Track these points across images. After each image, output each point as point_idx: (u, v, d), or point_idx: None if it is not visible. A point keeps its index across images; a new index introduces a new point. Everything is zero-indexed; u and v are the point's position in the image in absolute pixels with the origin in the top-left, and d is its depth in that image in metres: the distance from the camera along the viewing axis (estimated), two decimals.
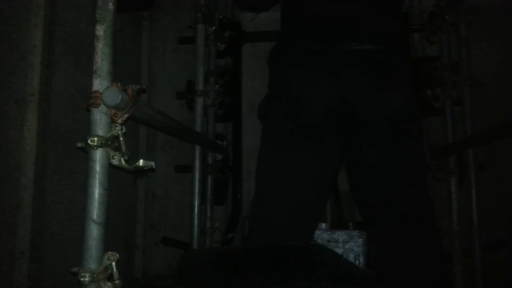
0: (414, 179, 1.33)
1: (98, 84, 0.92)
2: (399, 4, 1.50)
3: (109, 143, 0.92)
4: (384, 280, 1.26)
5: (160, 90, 2.59)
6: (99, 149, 0.91)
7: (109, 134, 0.93)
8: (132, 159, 0.95)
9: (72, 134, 1.65)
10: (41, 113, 1.52)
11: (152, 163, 0.96)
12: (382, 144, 1.31)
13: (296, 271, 0.79)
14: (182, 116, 2.25)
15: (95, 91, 0.91)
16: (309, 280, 0.73)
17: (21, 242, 1.43)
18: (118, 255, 0.93)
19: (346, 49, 1.29)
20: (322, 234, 1.37)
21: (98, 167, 0.91)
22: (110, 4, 0.95)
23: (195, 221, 1.88)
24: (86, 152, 0.93)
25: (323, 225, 1.35)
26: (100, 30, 0.94)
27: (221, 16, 2.11)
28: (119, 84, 0.93)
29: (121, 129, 0.94)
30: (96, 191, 0.91)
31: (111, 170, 0.94)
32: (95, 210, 0.91)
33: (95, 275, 0.89)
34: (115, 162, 0.93)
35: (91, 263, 0.90)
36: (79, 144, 0.92)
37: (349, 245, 1.34)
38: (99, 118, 0.92)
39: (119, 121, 0.95)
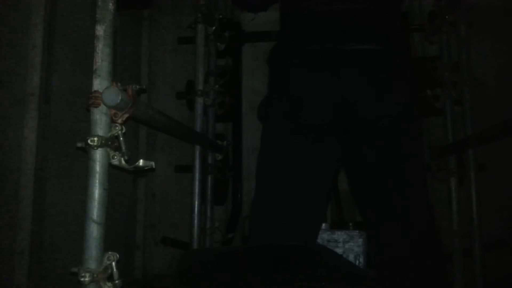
0: (414, 179, 1.33)
1: (98, 84, 0.92)
2: (399, 4, 1.50)
3: (109, 143, 0.92)
4: (384, 280, 1.26)
5: (160, 90, 2.59)
6: (99, 149, 0.91)
7: (109, 134, 0.93)
8: (132, 159, 0.95)
9: (72, 134, 1.65)
10: (41, 113, 1.52)
11: (152, 163, 0.96)
12: (382, 144, 1.31)
13: (296, 271, 0.79)
14: (182, 116, 2.25)
15: (95, 91, 0.91)
16: (309, 280, 0.73)
17: (21, 242, 1.43)
18: (118, 255, 0.93)
19: (346, 49, 1.29)
20: (322, 234, 1.37)
21: (98, 167, 0.91)
22: (110, 4, 0.95)
23: (195, 221, 1.88)
24: (86, 152, 0.93)
25: (323, 225, 1.35)
26: (100, 30, 0.94)
27: (221, 16, 2.11)
28: (119, 84, 0.93)
29: (121, 129, 0.94)
30: (96, 191, 0.91)
31: (111, 170, 0.94)
32: (95, 210, 0.91)
33: (95, 275, 0.89)
34: (115, 162, 0.93)
35: (91, 263, 0.90)
36: (79, 144, 0.92)
37: (349, 245, 1.34)
38: (99, 118, 0.92)
39: (119, 121, 0.95)
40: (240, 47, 2.49)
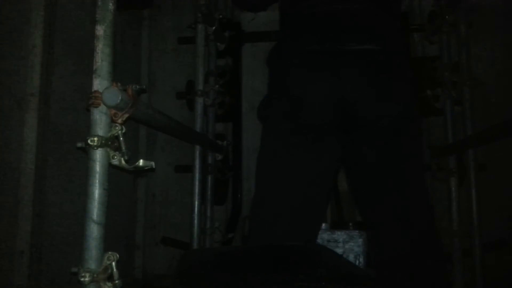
0: (414, 179, 1.33)
1: (98, 84, 0.92)
2: (399, 3, 1.50)
3: (109, 143, 0.92)
4: (384, 280, 1.26)
5: (160, 90, 2.59)
6: (99, 149, 0.91)
7: (109, 134, 0.93)
8: (132, 159, 0.95)
9: (72, 134, 1.65)
10: (41, 113, 1.52)
11: (152, 163, 0.96)
12: (382, 144, 1.31)
13: (296, 271, 0.79)
14: (182, 116, 2.25)
15: (95, 91, 0.91)
16: (309, 280, 0.73)
17: (21, 242, 1.43)
18: (118, 255, 0.93)
19: (346, 49, 1.29)
20: (322, 234, 1.37)
21: (98, 167, 0.91)
22: (110, 4, 0.95)
23: (195, 221, 1.88)
24: (86, 152, 0.93)
25: (323, 225, 1.35)
26: (100, 30, 0.94)
27: (221, 16, 2.11)
28: (119, 84, 0.93)
29: (121, 129, 0.94)
30: (96, 191, 0.91)
31: (111, 170, 0.94)
32: (95, 210, 0.91)
33: (95, 275, 0.89)
34: (115, 162, 0.93)
35: (91, 263, 0.90)
36: (79, 144, 0.92)
37: (349, 245, 1.34)
38: (99, 118, 0.92)
39: (119, 121, 0.95)
40: (240, 47, 2.49)
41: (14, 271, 1.41)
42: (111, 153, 0.93)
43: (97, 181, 0.91)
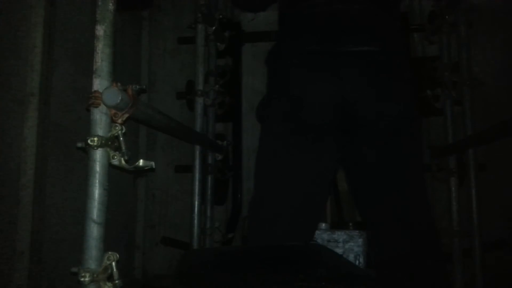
0: (414, 179, 1.33)
1: (98, 84, 0.92)
2: (399, 3, 1.50)
3: (109, 143, 0.92)
4: (384, 280, 1.26)
5: (160, 90, 2.59)
6: (99, 149, 0.91)
7: (109, 134, 0.93)
8: (132, 159, 0.95)
9: (72, 134, 1.65)
10: (41, 113, 1.52)
11: (152, 163, 0.96)
12: (382, 144, 1.31)
13: (296, 271, 0.79)
14: (182, 116, 2.25)
15: (95, 91, 0.91)
16: (309, 280, 0.73)
17: (21, 242, 1.43)
18: (118, 255, 0.93)
19: (346, 50, 1.29)
20: (322, 234, 1.37)
21: (98, 167, 0.91)
22: (110, 4, 0.95)
23: (195, 221, 1.88)
24: (86, 152, 0.93)
25: (323, 225, 1.35)
26: (100, 30, 0.94)
27: (221, 16, 2.11)
28: (119, 84, 0.93)
29: (121, 129, 0.94)
30: (96, 191, 0.91)
31: (111, 170, 0.94)
32: (95, 210, 0.91)
33: (95, 275, 0.89)
34: (115, 162, 0.93)
35: (91, 263, 0.90)
36: (79, 144, 0.92)
37: (349, 245, 1.34)
38: (99, 118, 0.92)
39: (119, 121, 0.95)
40: (240, 47, 2.49)
41: (14, 271, 1.41)
42: (111, 153, 0.93)
43: (97, 181, 0.91)
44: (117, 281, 0.92)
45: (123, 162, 0.93)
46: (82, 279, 0.87)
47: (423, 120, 2.26)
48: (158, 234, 2.47)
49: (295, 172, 1.30)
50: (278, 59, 1.41)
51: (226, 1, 2.49)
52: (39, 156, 1.50)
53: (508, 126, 1.37)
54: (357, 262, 1.29)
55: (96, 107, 0.91)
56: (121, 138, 0.94)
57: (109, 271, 0.92)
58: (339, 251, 1.30)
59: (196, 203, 1.88)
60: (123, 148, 0.94)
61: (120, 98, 0.91)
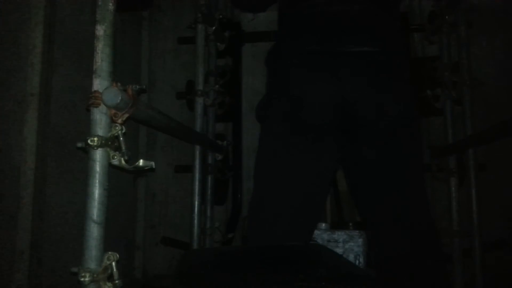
0: (414, 179, 1.33)
1: (98, 84, 0.92)
2: (399, 4, 1.50)
3: (109, 143, 0.92)
4: (384, 280, 1.26)
5: (160, 90, 2.59)
6: (99, 149, 0.91)
7: (109, 134, 0.93)
8: (132, 159, 0.95)
9: (72, 134, 1.65)
10: (41, 113, 1.52)
11: (152, 163, 0.96)
12: (382, 144, 1.31)
13: (296, 271, 0.79)
14: (182, 116, 2.25)
15: (95, 91, 0.91)
16: (309, 280, 0.73)
17: (21, 242, 1.43)
18: (118, 255, 0.93)
19: (346, 50, 1.29)
20: (322, 234, 1.37)
21: (98, 167, 0.91)
22: (110, 4, 0.95)
23: (195, 221, 1.88)
24: (86, 152, 0.93)
25: (323, 225, 1.35)
26: (100, 30, 0.94)
27: (221, 16, 2.11)
28: (119, 84, 0.93)
29: (121, 129, 0.94)
30: (96, 191, 0.91)
31: (111, 170, 0.94)
32: (95, 210, 0.91)
33: (95, 275, 0.89)
34: (115, 162, 0.93)
35: (91, 263, 0.90)
36: (79, 144, 0.92)
37: (349, 245, 1.34)
38: (99, 118, 0.92)
39: (119, 121, 0.95)
40: (240, 47, 2.49)
41: (14, 271, 1.41)
42: (111, 153, 0.93)
43: (97, 181, 0.91)
44: (117, 281, 0.92)
45: (123, 162, 0.93)
46: (82, 279, 0.87)
47: (423, 120, 2.26)
48: (158, 234, 2.47)
49: (295, 172, 1.30)
50: (278, 59, 1.41)
51: (226, 1, 2.49)
52: (39, 156, 1.50)
53: (508, 126, 1.37)
54: (357, 262, 1.29)
55: (96, 107, 0.91)
56: (121, 138, 0.94)
57: (109, 271, 0.92)
58: (339, 251, 1.30)
59: (196, 203, 1.88)
60: (123, 148, 0.94)
61: (120, 98, 0.91)
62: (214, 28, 2.06)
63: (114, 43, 0.95)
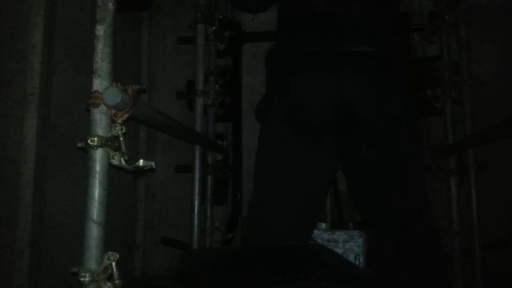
0: (413, 179, 1.34)
1: (98, 84, 0.92)
2: (398, 4, 1.50)
3: (109, 143, 0.92)
4: (384, 280, 1.26)
5: (160, 90, 2.59)
6: (99, 149, 0.91)
7: (109, 134, 0.93)
8: (132, 159, 0.95)
9: (72, 134, 1.65)
10: (41, 113, 1.52)
11: (152, 163, 0.96)
12: (382, 144, 1.31)
13: (296, 271, 0.79)
14: (182, 116, 2.25)
15: (95, 91, 0.91)
16: (309, 280, 0.73)
17: (21, 242, 1.43)
18: (118, 255, 0.93)
19: (346, 50, 1.29)
20: (322, 234, 1.37)
21: (98, 167, 0.91)
22: (110, 4, 0.95)
23: (195, 221, 1.88)
24: (86, 152, 0.93)
25: (323, 225, 1.35)
26: (100, 30, 0.94)
27: (221, 16, 2.11)
28: (119, 84, 0.93)
29: (121, 129, 0.94)
30: (96, 191, 0.91)
31: (111, 170, 0.94)
32: (95, 210, 0.91)
33: (95, 275, 0.89)
34: (115, 162, 0.93)
35: (91, 263, 0.90)
36: (79, 144, 0.92)
37: (349, 245, 1.34)
38: (99, 118, 0.92)
39: (119, 121, 0.95)
40: (240, 47, 2.50)
41: (14, 271, 1.41)
42: (111, 153, 0.93)
43: (97, 181, 0.91)
44: (117, 281, 0.92)
45: (123, 162, 0.93)
46: (82, 279, 0.87)
47: (423, 120, 2.26)
48: (158, 234, 2.47)
49: (295, 172, 1.30)
50: (278, 59, 1.41)
51: (226, 1, 2.49)
52: (39, 156, 1.50)
53: (508, 126, 1.37)
54: (357, 262, 1.29)
55: (96, 107, 0.91)
56: (121, 138, 0.94)
57: (109, 271, 0.92)
58: (339, 251, 1.30)
59: (196, 203, 1.88)
60: (123, 148, 0.94)
61: (120, 98, 0.91)
62: (214, 28, 2.06)
63: (114, 43, 0.95)
